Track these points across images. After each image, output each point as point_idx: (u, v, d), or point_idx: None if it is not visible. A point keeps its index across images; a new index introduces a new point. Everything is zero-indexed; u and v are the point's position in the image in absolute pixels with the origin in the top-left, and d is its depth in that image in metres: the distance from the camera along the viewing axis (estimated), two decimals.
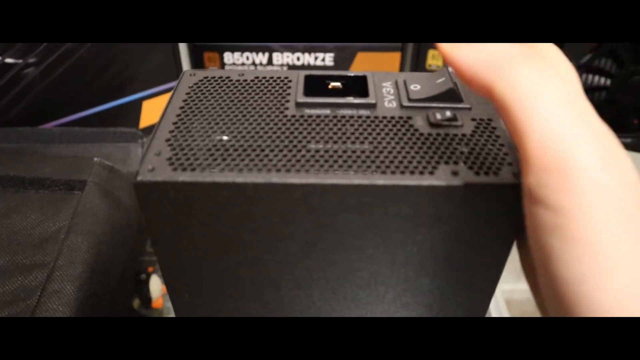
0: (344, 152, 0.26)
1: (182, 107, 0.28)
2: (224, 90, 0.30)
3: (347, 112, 0.28)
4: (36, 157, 0.48)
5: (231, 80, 0.31)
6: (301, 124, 0.27)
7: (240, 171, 0.24)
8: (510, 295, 0.92)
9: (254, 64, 0.77)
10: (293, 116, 0.28)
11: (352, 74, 0.31)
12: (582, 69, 0.69)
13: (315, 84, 0.31)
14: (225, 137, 0.26)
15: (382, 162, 0.25)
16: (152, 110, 0.70)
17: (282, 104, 0.29)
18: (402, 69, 0.80)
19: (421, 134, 0.27)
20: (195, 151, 0.25)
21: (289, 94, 0.29)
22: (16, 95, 0.59)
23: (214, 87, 0.30)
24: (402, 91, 0.30)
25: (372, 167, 0.25)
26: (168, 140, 0.26)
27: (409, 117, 0.28)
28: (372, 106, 0.29)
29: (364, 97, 0.30)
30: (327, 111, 0.28)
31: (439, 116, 0.28)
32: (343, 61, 0.78)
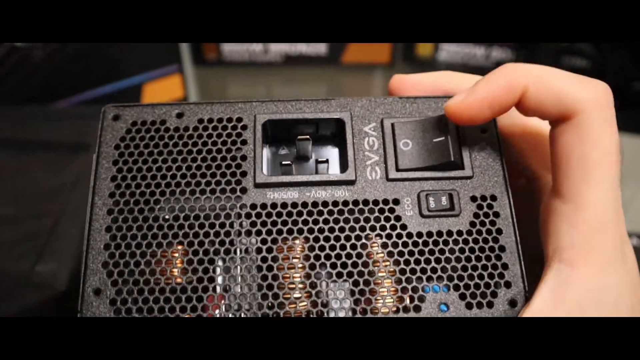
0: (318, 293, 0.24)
1: (112, 195, 0.25)
2: (161, 156, 0.25)
3: (321, 194, 0.25)
4: (44, 124, 0.51)
5: (168, 131, 0.25)
6: (263, 225, 0.24)
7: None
8: None
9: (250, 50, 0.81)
10: (253, 207, 0.24)
11: (326, 116, 0.26)
12: (561, 51, 0.72)
13: (279, 131, 0.27)
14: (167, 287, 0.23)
15: (358, 300, 0.24)
16: (153, 93, 0.73)
17: (239, 182, 0.25)
18: (392, 58, 0.83)
19: (409, 237, 0.24)
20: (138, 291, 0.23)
21: (246, 160, 0.25)
22: (24, 76, 0.62)
23: (147, 148, 0.25)
24: (389, 150, 0.26)
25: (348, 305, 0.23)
26: (106, 265, 0.24)
27: (396, 201, 0.25)
28: (350, 183, 0.25)
29: (340, 157, 0.26)
30: (295, 194, 0.25)
31: (432, 204, 0.25)
32: (335, 49, 0.82)
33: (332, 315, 0.24)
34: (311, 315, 0.24)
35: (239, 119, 0.26)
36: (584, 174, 0.22)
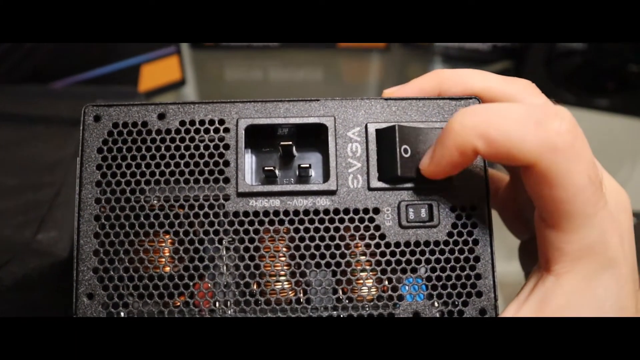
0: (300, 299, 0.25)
1: (98, 200, 0.25)
2: (144, 160, 0.25)
3: (302, 202, 0.25)
4: (44, 101, 0.51)
5: (150, 134, 0.25)
6: (245, 233, 0.25)
7: None
8: (502, 278, 0.95)
9: None
10: (236, 215, 0.25)
11: (309, 121, 0.26)
12: None
13: (263, 134, 0.27)
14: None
15: (339, 299, 0.25)
16: (151, 74, 0.73)
17: (222, 189, 0.25)
18: (389, 42, 0.83)
19: (387, 246, 0.25)
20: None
21: (229, 165, 0.25)
22: (22, 56, 0.62)
23: (130, 152, 0.25)
24: (372, 158, 0.26)
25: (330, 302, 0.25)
26: (96, 271, 0.25)
27: (376, 210, 0.25)
28: (332, 193, 0.25)
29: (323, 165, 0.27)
30: (277, 203, 0.25)
31: (412, 215, 0.25)
32: None
33: (314, 300, 0.25)
34: (294, 303, 0.25)
35: (222, 121, 0.26)
36: (560, 211, 0.23)
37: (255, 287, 0.25)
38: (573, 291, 0.23)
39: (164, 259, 0.25)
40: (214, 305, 0.25)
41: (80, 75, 0.68)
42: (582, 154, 0.22)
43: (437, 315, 0.25)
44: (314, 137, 0.27)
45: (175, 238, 0.25)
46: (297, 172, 0.27)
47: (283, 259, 0.25)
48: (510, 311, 0.25)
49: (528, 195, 0.24)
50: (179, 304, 0.25)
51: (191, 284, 0.25)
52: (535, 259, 0.26)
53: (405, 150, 0.25)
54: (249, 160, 0.27)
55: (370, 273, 0.25)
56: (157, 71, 0.73)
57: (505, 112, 0.23)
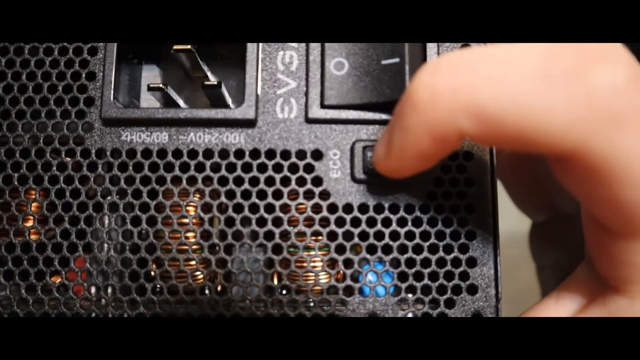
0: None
1: None
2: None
3: (203, 138, 0.18)
4: None
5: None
6: (128, 183, 0.18)
7: None
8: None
9: None
10: (100, 154, 0.18)
11: None
12: None
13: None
14: None
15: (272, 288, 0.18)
16: None
17: (82, 114, 0.18)
18: None
19: (331, 212, 0.18)
20: None
21: (93, 79, 0.19)
22: None
23: None
24: (313, 74, 0.18)
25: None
26: None
27: (317, 154, 0.18)
28: (248, 124, 0.18)
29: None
30: (164, 138, 0.18)
31: (373, 164, 0.18)
32: None
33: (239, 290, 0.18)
34: (210, 289, 0.18)
35: None
36: (633, 216, 0.14)
37: (155, 268, 0.18)
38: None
39: (31, 221, 0.18)
40: (89, 292, 0.18)
41: None
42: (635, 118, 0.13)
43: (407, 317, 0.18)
44: (230, 44, 0.19)
45: (45, 191, 0.18)
46: (205, 96, 0.19)
47: (195, 226, 0.18)
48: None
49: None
50: (51, 287, 0.18)
51: (72, 258, 0.18)
52: (556, 247, 0.18)
53: (364, 62, 0.17)
54: (126, 75, 0.19)
55: (320, 252, 0.18)
56: None
57: (509, 63, 0.14)
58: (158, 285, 0.18)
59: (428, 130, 0.14)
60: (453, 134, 0.14)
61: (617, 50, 0.13)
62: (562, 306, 0.18)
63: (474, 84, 0.13)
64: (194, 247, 0.18)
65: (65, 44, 0.18)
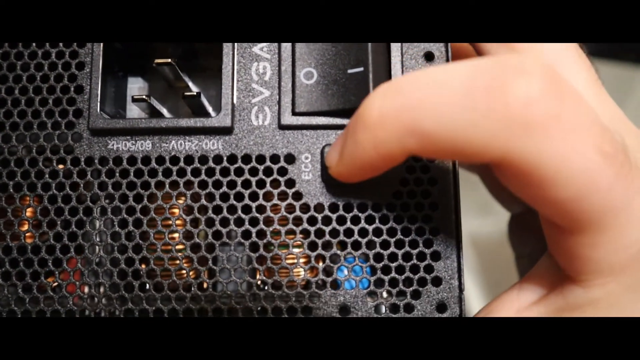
0: None
1: None
2: None
3: (184, 145, 0.19)
4: None
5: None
6: (116, 189, 0.19)
7: None
8: (477, 233, 0.90)
9: None
10: (88, 162, 0.19)
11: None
12: None
13: (133, 52, 0.21)
14: None
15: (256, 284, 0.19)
16: None
17: (71, 125, 0.20)
18: None
19: (304, 211, 0.19)
20: None
21: (81, 92, 0.20)
22: None
23: None
24: (285, 83, 0.20)
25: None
26: None
27: (290, 158, 0.19)
28: (225, 132, 0.19)
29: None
30: (147, 145, 0.19)
31: None
32: None
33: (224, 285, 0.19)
34: (194, 288, 0.19)
35: None
36: (573, 212, 0.16)
37: (142, 267, 0.19)
38: (611, 308, 0.17)
39: (26, 225, 0.19)
40: (81, 291, 0.19)
41: None
42: (578, 122, 0.15)
43: (373, 311, 0.19)
44: (210, 56, 0.20)
45: (39, 197, 0.20)
46: (186, 106, 0.20)
47: (178, 227, 0.19)
48: (502, 308, 0.19)
49: None
50: (46, 287, 0.19)
51: (65, 259, 0.19)
52: (532, 237, 0.19)
53: (332, 71, 0.19)
54: (112, 88, 0.20)
55: (296, 249, 0.19)
56: None
57: (440, 83, 0.15)
58: (145, 283, 0.19)
59: (375, 146, 0.16)
60: (398, 151, 0.16)
61: (532, 62, 0.15)
62: (524, 295, 0.19)
63: (412, 106, 0.15)
64: (178, 246, 0.19)
65: (54, 59, 0.20)
